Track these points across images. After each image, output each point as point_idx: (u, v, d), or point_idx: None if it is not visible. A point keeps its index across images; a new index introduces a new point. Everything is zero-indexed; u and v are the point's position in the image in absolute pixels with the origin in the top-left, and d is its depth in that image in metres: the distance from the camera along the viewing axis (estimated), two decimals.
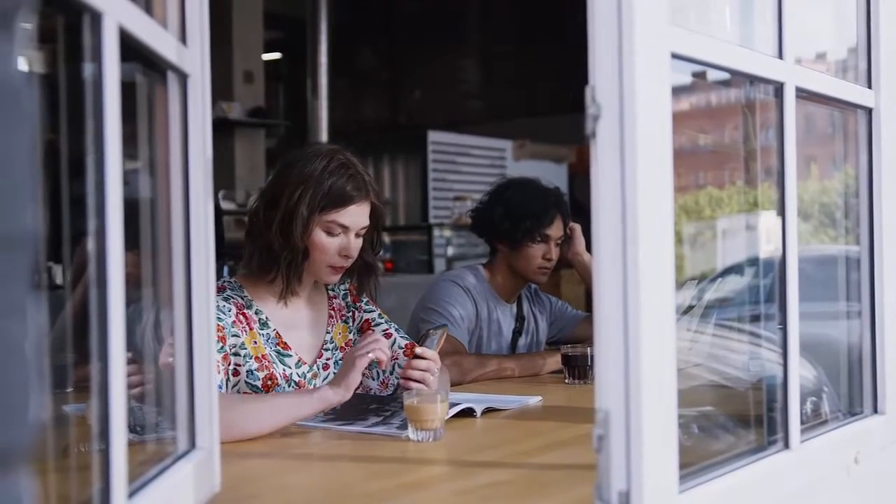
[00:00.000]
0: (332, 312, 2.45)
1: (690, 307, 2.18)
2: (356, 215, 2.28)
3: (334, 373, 2.35)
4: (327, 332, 2.42)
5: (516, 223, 3.06)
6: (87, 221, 1.05)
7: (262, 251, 2.27)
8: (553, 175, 6.99)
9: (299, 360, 2.32)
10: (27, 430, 0.62)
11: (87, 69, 1.04)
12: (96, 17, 1.02)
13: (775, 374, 1.62)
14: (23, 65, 0.65)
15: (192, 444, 1.41)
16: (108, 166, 1.04)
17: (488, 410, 2.26)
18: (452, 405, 2.10)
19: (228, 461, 1.55)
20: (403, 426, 1.98)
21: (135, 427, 1.35)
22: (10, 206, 0.62)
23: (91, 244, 1.03)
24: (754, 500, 1.48)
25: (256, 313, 2.29)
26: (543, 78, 9.38)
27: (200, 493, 1.40)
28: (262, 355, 2.25)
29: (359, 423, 2.07)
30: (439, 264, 7.51)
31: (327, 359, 2.39)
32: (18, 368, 0.61)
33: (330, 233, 2.26)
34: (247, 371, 2.22)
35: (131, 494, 1.11)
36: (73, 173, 1.07)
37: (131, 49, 1.13)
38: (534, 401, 2.42)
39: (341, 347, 2.43)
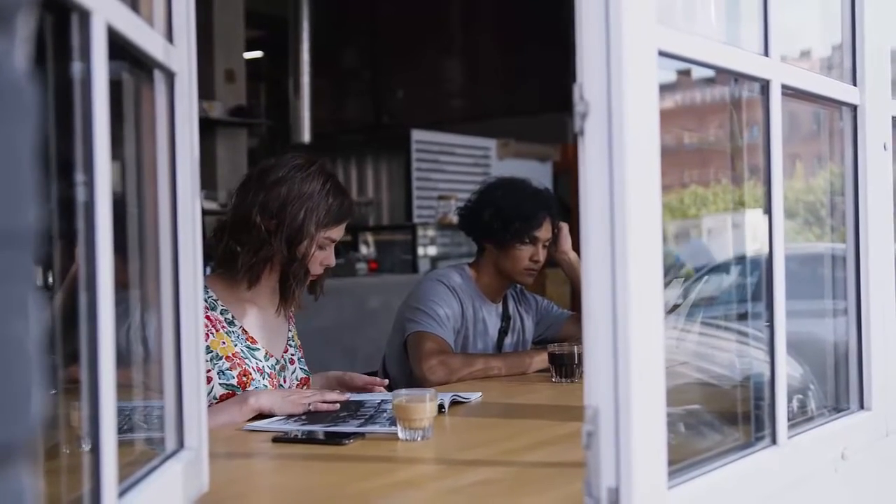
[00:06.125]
0: (290, 315, 2.57)
1: (676, 305, 2.18)
2: (343, 229, 2.46)
3: (300, 367, 2.52)
4: (289, 331, 2.55)
5: (506, 224, 3.06)
6: (72, 221, 1.04)
7: (260, 260, 2.35)
8: (537, 174, 7.00)
9: (267, 353, 2.41)
10: (30, 426, 0.63)
11: (76, 68, 1.03)
12: (84, 16, 1.01)
13: (762, 371, 1.63)
14: (24, 63, 0.65)
15: (181, 444, 1.41)
16: (96, 166, 1.03)
17: (455, 403, 2.32)
18: None
19: (217, 461, 1.55)
20: (394, 423, 1.97)
21: (121, 427, 1.34)
22: (15, 203, 0.62)
23: (80, 245, 1.03)
24: (743, 496, 1.48)
25: (222, 313, 2.37)
26: (527, 77, 9.40)
27: (189, 492, 1.39)
28: (233, 353, 2.33)
29: (344, 424, 2.06)
30: (423, 264, 7.51)
31: (292, 354, 2.52)
32: (21, 365, 0.61)
33: (321, 247, 2.40)
34: (218, 372, 2.29)
35: (121, 494, 1.11)
36: (60, 173, 1.06)
37: (118, 47, 1.13)
38: (475, 397, 2.45)
39: (299, 346, 2.57)
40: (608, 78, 1.19)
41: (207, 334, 2.27)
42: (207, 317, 2.30)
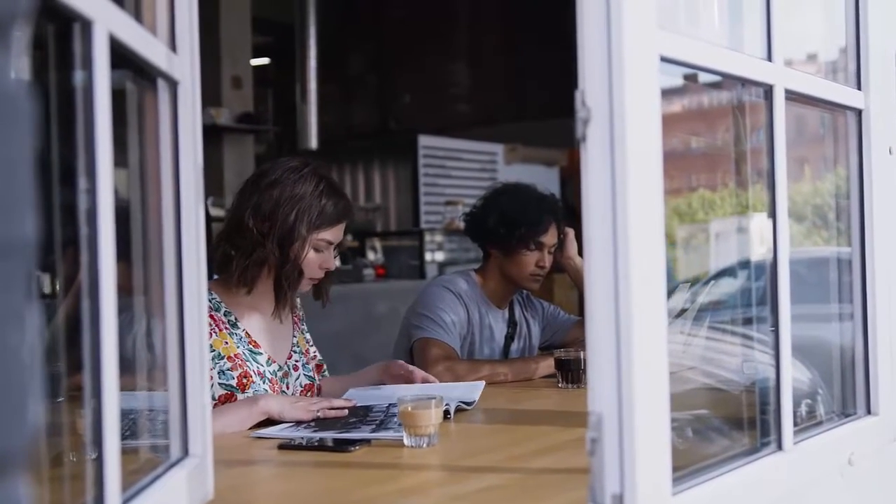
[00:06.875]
0: (295, 320, 2.58)
1: (683, 310, 2.18)
2: (341, 232, 2.44)
3: (304, 374, 2.51)
4: (294, 337, 2.54)
5: (511, 230, 3.06)
6: (77, 229, 1.04)
7: (253, 263, 2.35)
8: (544, 179, 7.00)
9: (269, 359, 2.41)
10: (25, 434, 0.63)
11: (78, 76, 1.04)
12: (87, 25, 1.02)
13: (768, 376, 1.63)
14: (20, 73, 0.65)
15: (185, 452, 1.41)
16: (99, 174, 1.03)
17: (459, 410, 2.31)
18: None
19: (221, 469, 1.55)
20: (401, 429, 1.96)
21: (125, 433, 1.34)
22: (11, 213, 0.62)
23: (82, 253, 1.03)
24: (748, 502, 1.48)
25: (226, 315, 2.38)
26: (534, 81, 9.39)
27: (193, 500, 1.39)
28: (235, 354, 2.34)
29: (355, 431, 2.05)
30: (431, 270, 7.50)
31: (296, 361, 2.52)
32: (16, 374, 0.62)
33: (317, 249, 2.40)
34: (219, 372, 2.29)
35: (125, 502, 1.11)
36: (63, 181, 1.07)
37: (121, 56, 1.13)
38: (479, 387, 2.48)
39: (304, 352, 2.56)
40: (610, 84, 1.19)
41: (210, 333, 2.27)
42: (211, 316, 2.31)
